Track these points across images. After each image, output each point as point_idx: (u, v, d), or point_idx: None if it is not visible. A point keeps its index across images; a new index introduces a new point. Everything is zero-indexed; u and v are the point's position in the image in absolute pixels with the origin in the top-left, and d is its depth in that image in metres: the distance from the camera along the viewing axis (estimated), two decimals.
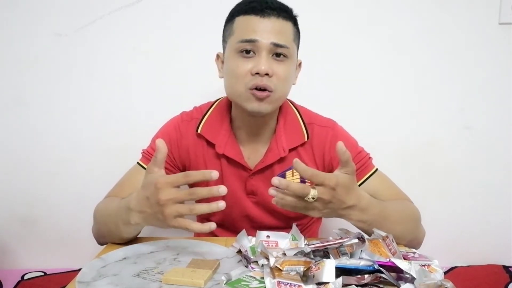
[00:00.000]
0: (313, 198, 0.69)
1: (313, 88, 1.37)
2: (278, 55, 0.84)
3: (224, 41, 0.91)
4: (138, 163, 0.96)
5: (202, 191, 0.67)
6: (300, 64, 0.96)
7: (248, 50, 0.84)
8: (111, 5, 1.32)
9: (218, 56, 0.95)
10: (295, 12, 0.90)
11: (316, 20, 1.34)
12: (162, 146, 0.70)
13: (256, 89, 0.84)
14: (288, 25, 0.86)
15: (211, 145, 0.95)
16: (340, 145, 0.69)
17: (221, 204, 0.67)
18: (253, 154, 0.95)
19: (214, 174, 0.66)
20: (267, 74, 0.83)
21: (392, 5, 1.35)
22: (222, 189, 0.66)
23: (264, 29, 0.83)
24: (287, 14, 0.86)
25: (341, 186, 0.70)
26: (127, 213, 0.74)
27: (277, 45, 0.83)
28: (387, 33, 1.37)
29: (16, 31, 1.32)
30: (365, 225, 0.76)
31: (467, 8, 1.35)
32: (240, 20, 0.86)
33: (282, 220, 0.98)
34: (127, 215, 0.73)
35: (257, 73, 0.83)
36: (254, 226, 0.93)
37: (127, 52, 1.35)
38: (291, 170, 0.95)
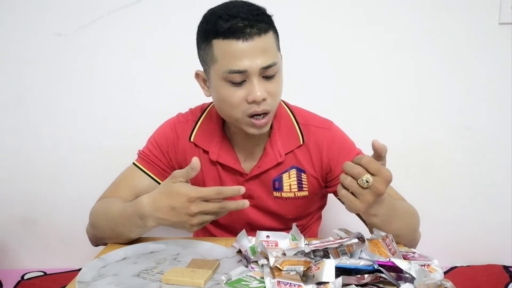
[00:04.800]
0: (367, 182, 0.67)
1: (312, 88, 1.37)
2: (268, 73, 0.80)
3: (204, 63, 0.84)
4: (134, 163, 0.95)
5: (231, 205, 0.73)
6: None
7: (239, 81, 0.79)
8: (111, 5, 1.32)
9: (197, 74, 0.89)
10: (268, 11, 0.83)
11: (315, 20, 1.34)
12: (197, 165, 0.73)
13: (255, 115, 0.82)
14: (270, 37, 0.80)
15: (206, 151, 0.94)
16: (376, 142, 0.69)
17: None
18: (249, 157, 0.94)
19: (242, 189, 0.72)
20: (264, 99, 0.80)
21: (392, 5, 1.35)
22: (247, 203, 0.73)
23: (250, 54, 0.76)
24: (265, 23, 0.79)
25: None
26: (141, 219, 0.75)
27: (266, 68, 0.78)
28: (387, 33, 1.37)
29: (16, 31, 1.32)
30: (378, 219, 0.76)
31: (467, 8, 1.35)
32: (221, 46, 0.78)
33: (281, 222, 0.98)
34: (142, 221, 0.75)
35: (253, 101, 0.79)
36: (254, 229, 0.93)
37: (127, 52, 1.35)
38: (287, 172, 0.95)
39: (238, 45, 0.76)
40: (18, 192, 1.41)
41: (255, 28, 0.77)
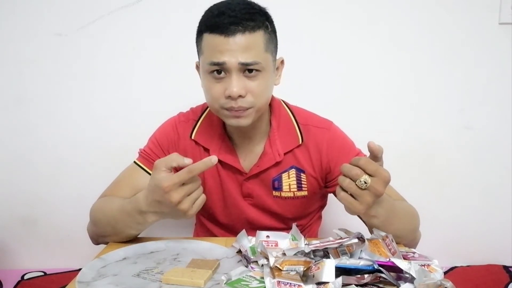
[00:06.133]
0: (365, 183, 0.68)
1: (312, 88, 1.37)
2: (250, 71, 0.81)
3: (198, 54, 0.88)
4: (135, 162, 0.96)
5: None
6: (282, 62, 0.92)
7: (219, 71, 0.81)
8: (111, 5, 1.32)
9: (196, 65, 0.92)
10: (267, 9, 0.85)
11: (315, 20, 1.34)
12: (187, 161, 0.71)
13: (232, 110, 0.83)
14: (257, 37, 0.80)
15: (207, 149, 0.95)
16: (372, 143, 0.69)
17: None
18: (248, 156, 0.94)
19: (214, 159, 0.70)
20: (240, 96, 0.81)
21: (392, 5, 1.35)
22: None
23: (231, 48, 0.78)
24: (256, 23, 0.80)
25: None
26: (140, 215, 0.75)
27: (245, 64, 0.80)
28: (387, 33, 1.36)
29: (16, 31, 1.32)
30: (378, 220, 0.76)
31: (467, 8, 1.35)
32: (207, 39, 0.81)
33: (281, 222, 0.98)
34: (142, 217, 0.75)
35: (229, 96, 0.81)
36: (254, 228, 0.93)
37: (127, 52, 1.35)
38: (287, 172, 0.95)
39: (221, 40, 0.79)
40: (18, 192, 1.41)
41: (240, 25, 0.79)
